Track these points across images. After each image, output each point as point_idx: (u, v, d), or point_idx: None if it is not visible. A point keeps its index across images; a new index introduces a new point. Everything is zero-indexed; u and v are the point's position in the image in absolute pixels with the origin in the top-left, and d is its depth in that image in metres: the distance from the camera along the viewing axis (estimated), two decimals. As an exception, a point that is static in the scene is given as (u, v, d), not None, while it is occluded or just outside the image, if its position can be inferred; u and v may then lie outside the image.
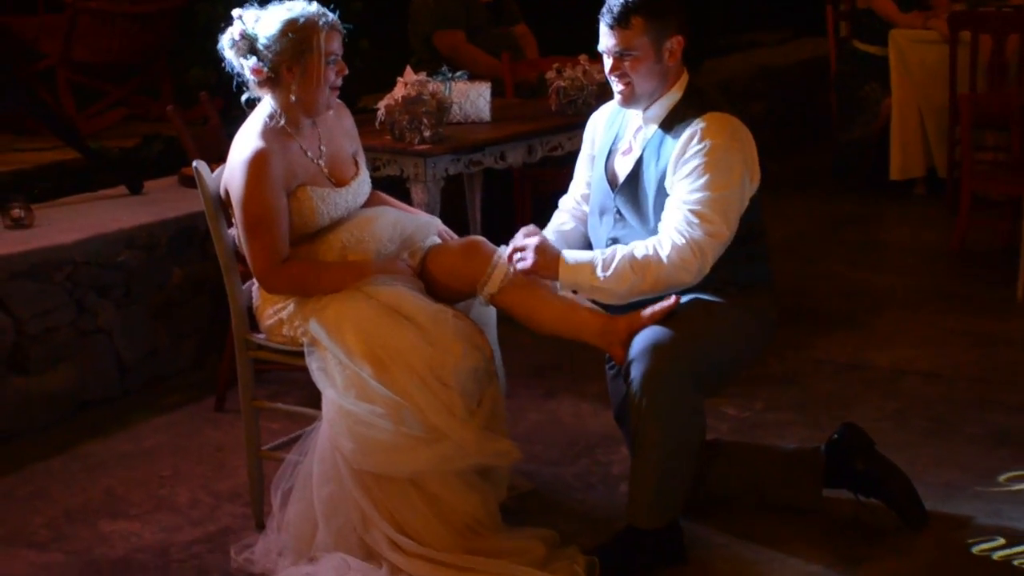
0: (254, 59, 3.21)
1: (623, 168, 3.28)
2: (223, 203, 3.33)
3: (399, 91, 4.31)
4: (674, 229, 3.08)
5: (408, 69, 4.38)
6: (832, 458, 3.39)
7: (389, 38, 6.79)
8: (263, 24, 3.22)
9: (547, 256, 3.17)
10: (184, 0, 6.19)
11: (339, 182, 3.36)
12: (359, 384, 3.12)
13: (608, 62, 3.20)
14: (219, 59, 3.30)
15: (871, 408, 4.13)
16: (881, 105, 6.92)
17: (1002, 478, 3.51)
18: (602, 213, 3.32)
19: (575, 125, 4.70)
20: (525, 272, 3.19)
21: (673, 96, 3.22)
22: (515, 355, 4.43)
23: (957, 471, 3.65)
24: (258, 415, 3.47)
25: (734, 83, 7.92)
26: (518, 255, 3.20)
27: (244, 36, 3.22)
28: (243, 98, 3.31)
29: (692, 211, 3.07)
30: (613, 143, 3.35)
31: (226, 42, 3.25)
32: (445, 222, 3.65)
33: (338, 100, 3.38)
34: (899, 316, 5.04)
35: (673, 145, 3.13)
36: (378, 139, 4.35)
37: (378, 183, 4.07)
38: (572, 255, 3.17)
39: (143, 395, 4.46)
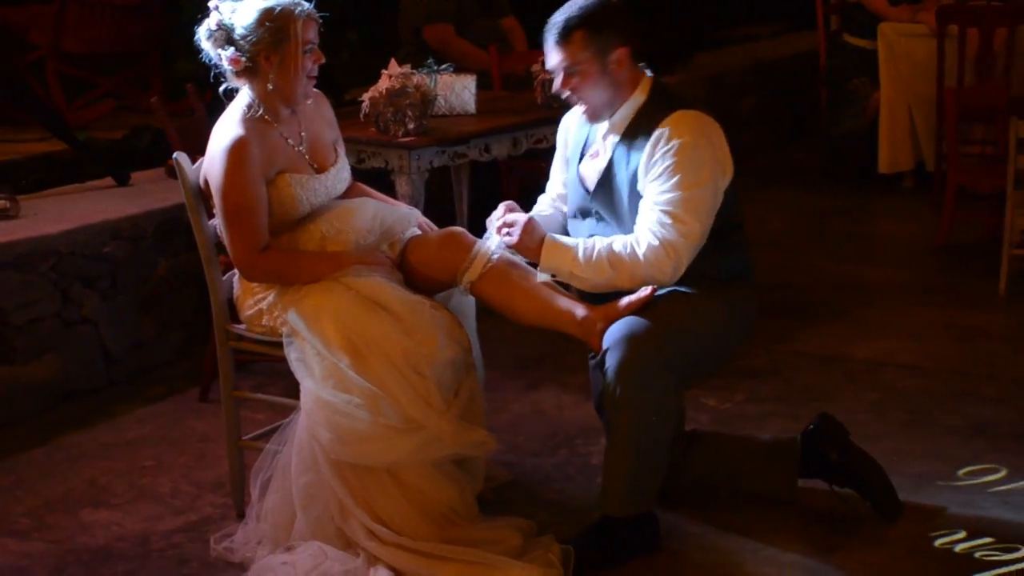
0: (232, 49, 3.24)
1: (594, 172, 3.31)
2: (203, 194, 3.36)
3: (383, 83, 4.34)
4: (648, 230, 3.11)
5: (392, 61, 4.40)
6: (808, 448, 3.42)
7: (378, 30, 6.81)
8: (240, 14, 3.25)
9: (532, 236, 3.20)
10: (172, -8, 6.21)
11: (320, 168, 3.40)
12: (337, 374, 3.15)
13: (557, 80, 3.24)
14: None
15: (850, 400, 4.16)
16: (870, 99, 6.95)
17: (962, 472, 3.53)
18: (582, 215, 3.36)
19: (560, 118, 4.73)
20: (509, 246, 3.22)
21: (636, 100, 3.24)
22: (499, 347, 4.48)
23: (933, 462, 3.68)
24: (239, 405, 3.50)
25: (727, 77, 7.95)
26: (505, 229, 3.23)
27: (221, 26, 3.25)
28: (221, 89, 3.34)
29: (664, 212, 3.10)
30: (584, 146, 3.39)
31: (203, 33, 3.29)
32: (432, 215, 3.68)
33: (316, 89, 3.40)
34: (883, 309, 5.07)
35: (642, 148, 3.16)
36: (363, 131, 4.39)
37: (362, 175, 4.11)
38: (556, 239, 3.21)
39: (128, 386, 4.49)
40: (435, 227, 3.55)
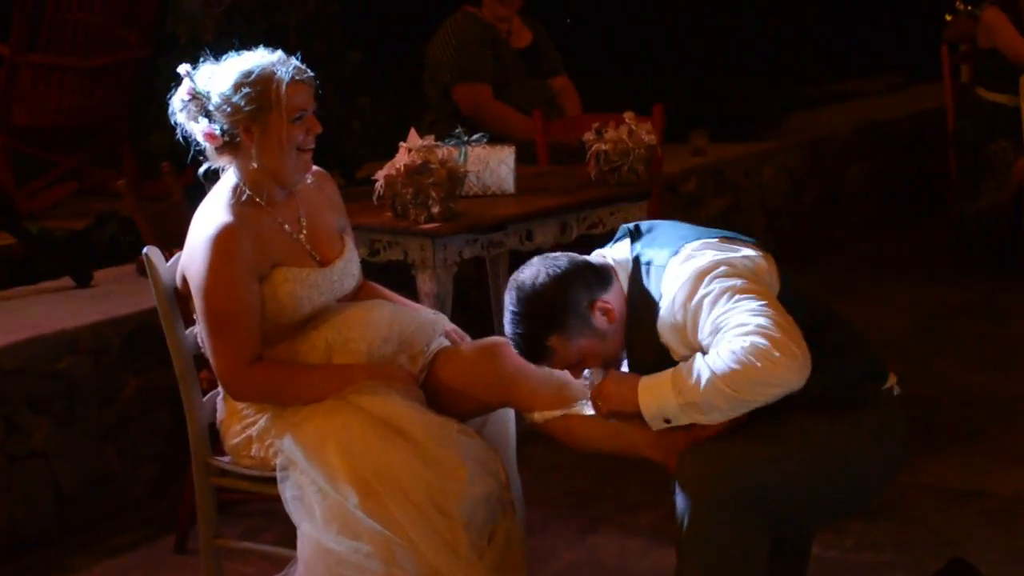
0: (206, 122, 3.35)
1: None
2: (181, 295, 3.44)
3: (401, 158, 4.43)
4: (733, 339, 3.09)
5: (412, 132, 4.50)
6: None
7: (398, 93, 6.96)
8: (216, 80, 3.35)
9: (623, 385, 3.20)
10: (145, 52, 6.36)
11: (323, 261, 3.48)
12: (343, 516, 3.20)
13: (571, 373, 3.32)
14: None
15: (990, 547, 4.14)
16: (1014, 167, 6.99)
17: None
18: None
19: (618, 197, 4.84)
20: (606, 413, 3.23)
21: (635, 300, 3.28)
22: (548, 478, 4.51)
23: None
24: (222, 557, 3.55)
25: (831, 142, 8.05)
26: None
27: (195, 96, 3.36)
28: (201, 170, 3.44)
29: (744, 328, 3.07)
30: None
31: (176, 104, 3.40)
32: (461, 320, 3.73)
33: (317, 167, 3.50)
34: (1030, 431, 5.06)
35: (654, 330, 3.20)
36: (376, 216, 4.48)
37: (376, 270, 4.19)
38: (647, 377, 3.19)
39: (87, 534, 4.54)
40: (467, 337, 3.61)
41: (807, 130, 8.05)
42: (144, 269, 3.49)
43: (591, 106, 6.17)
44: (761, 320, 3.06)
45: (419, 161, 4.40)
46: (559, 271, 3.23)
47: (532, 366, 3.34)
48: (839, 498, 3.32)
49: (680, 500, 3.14)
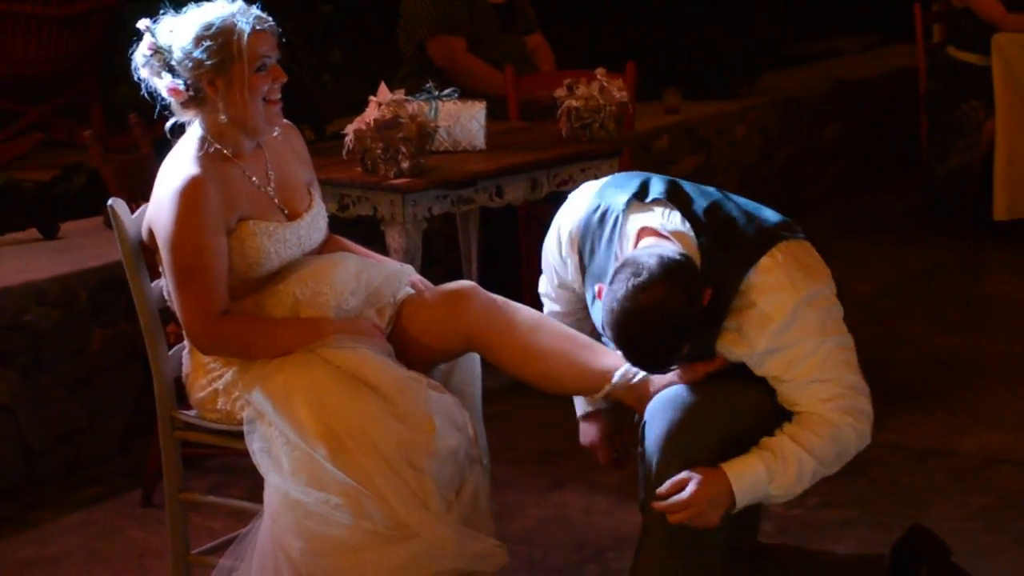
0: (169, 77, 3.34)
1: None
2: (147, 248, 3.44)
3: (371, 113, 4.43)
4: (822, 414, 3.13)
5: (382, 86, 4.50)
6: (898, 568, 3.44)
7: (370, 47, 6.94)
8: (177, 34, 3.34)
9: (713, 487, 3.10)
10: (112, 1, 6.32)
11: (291, 214, 3.48)
12: (311, 468, 3.21)
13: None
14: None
15: (955, 505, 4.20)
16: (983, 128, 7.03)
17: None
18: None
19: (589, 154, 4.85)
20: (692, 517, 3.11)
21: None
22: (515, 436, 4.54)
23: (1057, 583, 3.71)
24: (188, 511, 3.56)
25: (804, 102, 8.07)
26: (673, 498, 3.10)
27: (156, 50, 3.35)
28: (167, 125, 3.44)
29: (831, 405, 3.13)
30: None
31: (139, 59, 3.39)
32: (431, 274, 3.75)
33: (285, 120, 3.50)
34: (996, 392, 5.12)
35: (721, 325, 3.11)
36: (346, 171, 4.48)
37: (345, 226, 4.20)
38: (734, 469, 3.11)
39: (54, 487, 4.57)
40: (431, 286, 3.63)
41: (781, 89, 8.06)
42: (111, 221, 3.48)
43: (565, 64, 6.18)
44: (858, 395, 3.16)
45: (389, 116, 4.39)
46: (677, 281, 2.96)
47: (501, 310, 3.35)
48: None
49: (641, 449, 3.17)
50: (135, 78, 3.40)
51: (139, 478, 4.47)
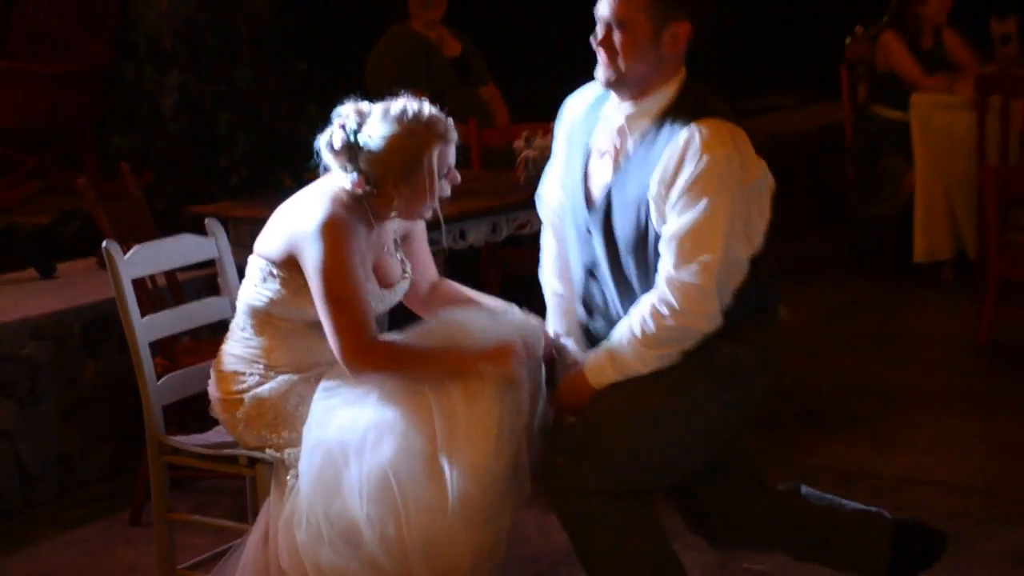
0: (355, 174, 3.21)
1: (599, 176, 3.20)
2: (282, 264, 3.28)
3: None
4: (668, 275, 3.04)
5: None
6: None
7: (343, 102, 6.97)
8: (367, 131, 3.21)
9: (575, 385, 3.17)
10: (107, 60, 6.36)
11: (384, 283, 3.37)
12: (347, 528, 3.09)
13: (599, 31, 3.11)
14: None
15: (876, 522, 4.22)
16: (903, 179, 7.10)
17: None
18: (578, 231, 3.27)
19: (544, 201, 4.88)
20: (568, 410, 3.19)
21: (664, 94, 3.11)
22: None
23: (968, 594, 3.75)
24: (175, 529, 3.57)
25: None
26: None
27: (346, 146, 3.22)
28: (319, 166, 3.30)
29: (683, 248, 3.02)
30: (588, 138, 3.26)
31: (323, 144, 3.26)
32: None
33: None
34: (913, 418, 5.16)
35: (659, 156, 3.04)
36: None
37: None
38: (591, 370, 3.15)
39: (49, 508, 4.56)
40: (563, 347, 3.41)
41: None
42: (104, 262, 3.50)
43: (518, 113, 6.23)
44: (696, 274, 3.03)
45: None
46: None
47: None
48: (704, 441, 3.25)
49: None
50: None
51: (128, 499, 4.46)
